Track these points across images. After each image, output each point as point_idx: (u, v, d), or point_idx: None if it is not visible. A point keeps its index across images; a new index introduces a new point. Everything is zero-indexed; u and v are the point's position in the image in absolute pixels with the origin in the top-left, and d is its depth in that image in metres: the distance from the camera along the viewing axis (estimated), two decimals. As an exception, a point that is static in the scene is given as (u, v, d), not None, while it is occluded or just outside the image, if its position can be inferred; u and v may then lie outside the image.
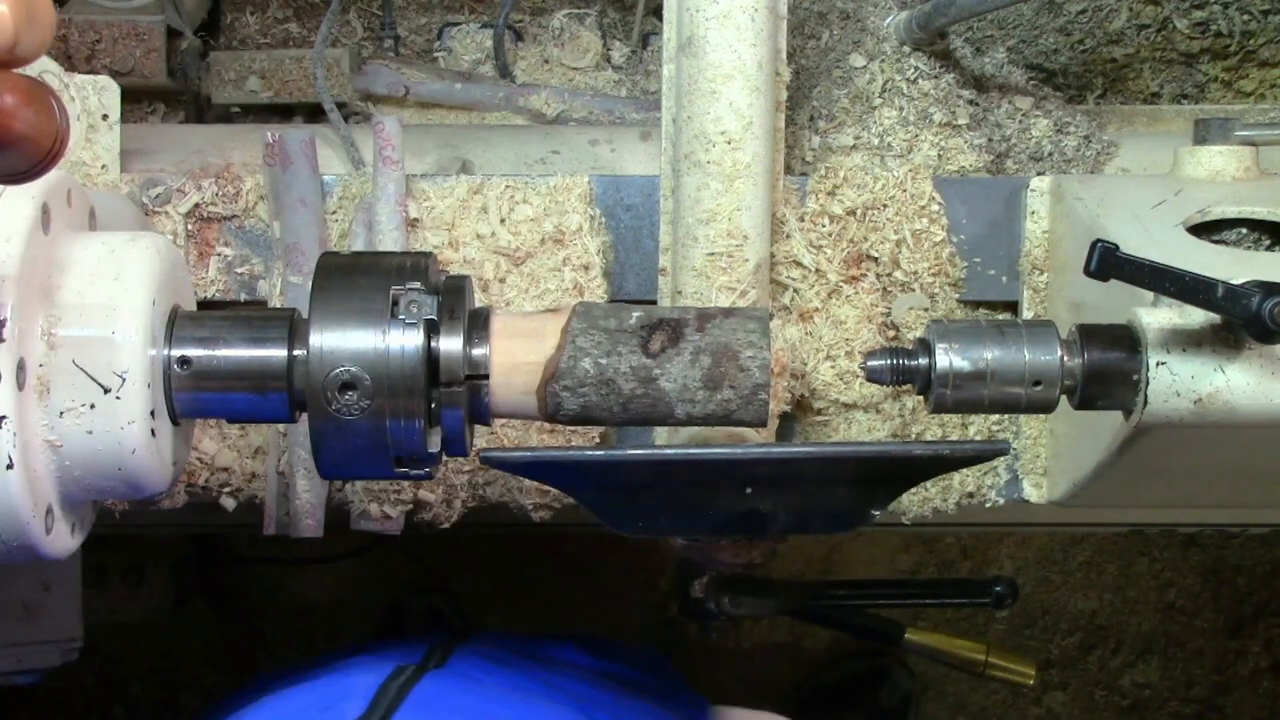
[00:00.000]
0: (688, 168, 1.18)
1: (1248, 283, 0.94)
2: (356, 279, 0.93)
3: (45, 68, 1.20)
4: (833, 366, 1.28)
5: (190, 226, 1.28)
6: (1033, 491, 1.33)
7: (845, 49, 1.35)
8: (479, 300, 1.25)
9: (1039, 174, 1.33)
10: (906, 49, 1.32)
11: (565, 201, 1.27)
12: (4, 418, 0.84)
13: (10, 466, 0.84)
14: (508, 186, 1.27)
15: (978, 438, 1.32)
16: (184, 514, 1.33)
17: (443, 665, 1.28)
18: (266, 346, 0.93)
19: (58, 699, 2.54)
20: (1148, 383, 0.99)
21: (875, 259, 1.28)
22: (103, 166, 1.26)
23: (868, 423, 1.30)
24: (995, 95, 1.39)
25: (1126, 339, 1.01)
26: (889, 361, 1.03)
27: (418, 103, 1.58)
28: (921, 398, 1.04)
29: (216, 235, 1.29)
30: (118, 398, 0.88)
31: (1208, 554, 2.55)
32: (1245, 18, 1.84)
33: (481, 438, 1.26)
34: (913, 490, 1.29)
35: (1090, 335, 1.01)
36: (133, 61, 1.61)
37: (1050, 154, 1.38)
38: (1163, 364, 0.99)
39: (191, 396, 0.93)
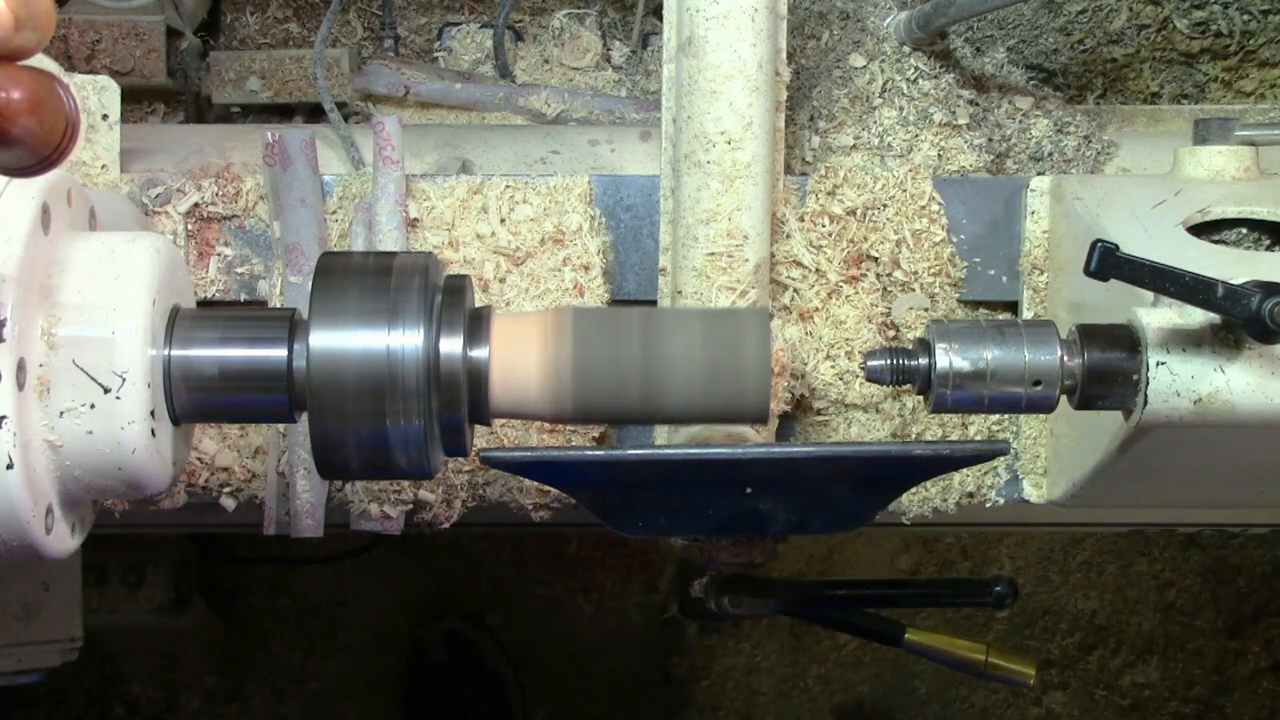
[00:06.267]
0: (688, 168, 1.18)
1: (1248, 283, 0.94)
2: (356, 279, 0.93)
3: (45, 67, 1.20)
4: (833, 366, 1.28)
5: (190, 226, 1.28)
6: (1033, 491, 1.33)
7: (845, 49, 1.35)
8: (479, 300, 1.25)
9: (1039, 174, 1.33)
10: (906, 49, 1.32)
11: (565, 201, 1.27)
12: (4, 418, 0.84)
13: (10, 466, 0.84)
14: (508, 186, 1.27)
15: (978, 438, 1.32)
16: (184, 514, 1.33)
17: None
18: (266, 346, 0.93)
19: (58, 699, 2.54)
20: (1148, 383, 0.99)
21: (875, 259, 1.28)
22: (103, 166, 1.26)
23: (868, 423, 1.30)
24: (995, 95, 1.39)
25: (1126, 339, 1.01)
26: (889, 361, 1.03)
27: (418, 103, 1.58)
28: (921, 398, 1.04)
29: (216, 235, 1.29)
30: (118, 398, 0.88)
31: (1208, 554, 2.55)
32: (1245, 18, 1.84)
33: (481, 438, 1.26)
34: (913, 490, 1.29)
35: (1090, 335, 1.01)
36: (133, 61, 1.61)
37: (1050, 154, 1.38)
38: (1163, 364, 0.99)
39: (191, 396, 0.93)
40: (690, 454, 1.06)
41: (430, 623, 2.54)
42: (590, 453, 1.16)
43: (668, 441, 1.24)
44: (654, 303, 1.27)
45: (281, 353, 0.93)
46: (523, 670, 2.57)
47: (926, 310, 1.28)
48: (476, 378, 0.93)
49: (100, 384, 0.88)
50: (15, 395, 0.84)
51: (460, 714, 2.49)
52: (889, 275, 1.28)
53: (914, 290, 1.28)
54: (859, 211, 1.28)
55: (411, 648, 2.54)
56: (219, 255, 1.29)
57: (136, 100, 1.67)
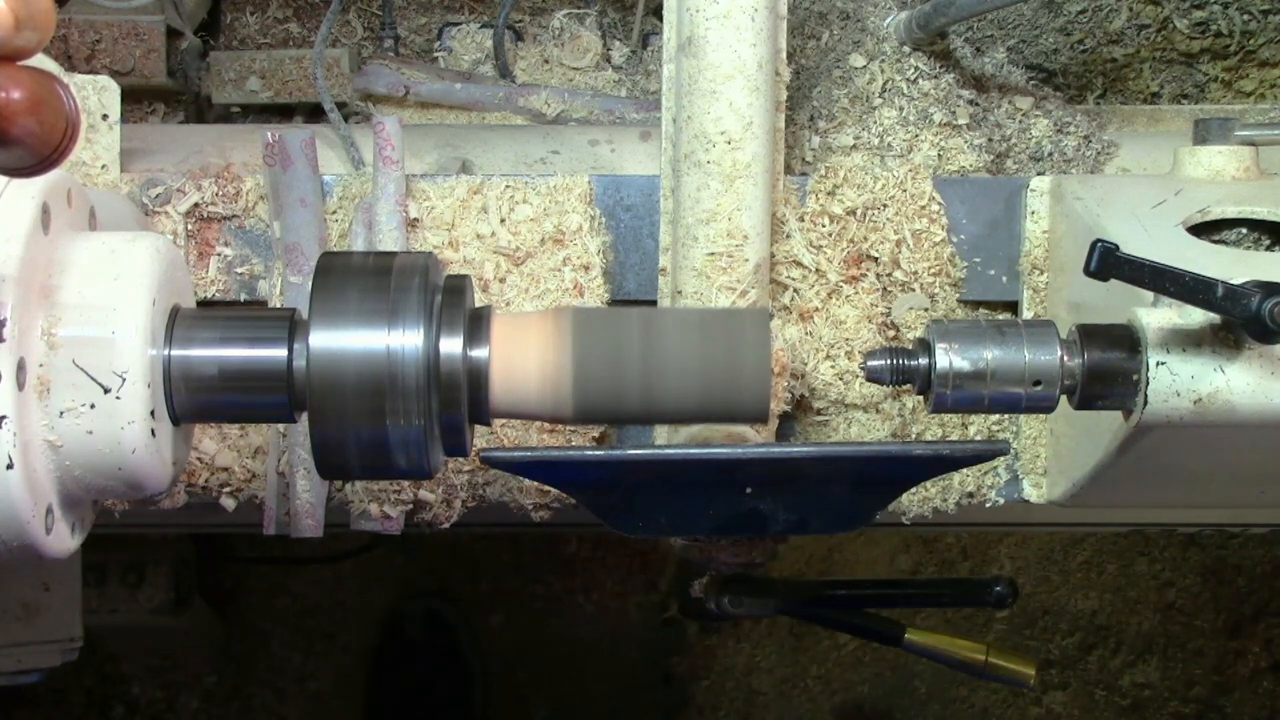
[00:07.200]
0: (688, 168, 1.18)
1: (1248, 283, 0.94)
2: (356, 279, 0.93)
3: (45, 67, 1.20)
4: (833, 366, 1.28)
5: (190, 226, 1.28)
6: (1033, 491, 1.33)
7: (845, 49, 1.35)
8: (479, 300, 1.25)
9: (1039, 174, 1.33)
10: (906, 49, 1.32)
11: (565, 201, 1.27)
12: (4, 418, 0.84)
13: (10, 466, 0.84)
14: (508, 186, 1.27)
15: (978, 438, 1.32)
16: (184, 514, 1.33)
17: None
18: (266, 346, 0.93)
19: (58, 699, 2.54)
20: (1148, 383, 0.99)
21: (875, 259, 1.28)
22: (103, 166, 1.26)
23: (868, 423, 1.30)
24: (995, 95, 1.39)
25: (1126, 339, 1.01)
26: (889, 361, 1.03)
27: (418, 103, 1.58)
28: (921, 398, 1.04)
29: (216, 235, 1.29)
30: (118, 398, 0.88)
31: (1208, 554, 2.56)
32: (1245, 18, 1.84)
33: (481, 438, 1.26)
34: (913, 490, 1.29)
35: (1090, 335, 1.01)
36: (133, 61, 1.61)
37: (1050, 154, 1.38)
38: (1163, 364, 0.99)
39: (191, 396, 0.93)
40: (690, 454, 1.06)
41: (411, 600, 2.54)
42: (590, 453, 1.16)
43: (668, 441, 1.24)
44: (654, 303, 1.27)
45: (281, 353, 0.93)
46: (522, 670, 2.57)
47: (926, 310, 1.28)
48: (476, 378, 0.93)
49: (100, 384, 0.88)
50: (15, 395, 0.84)
51: (425, 693, 2.50)
52: (889, 275, 1.28)
53: (914, 290, 1.28)
54: (859, 211, 1.28)
55: (387, 620, 2.54)
56: (219, 255, 1.29)
57: (136, 100, 1.67)
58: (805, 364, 1.27)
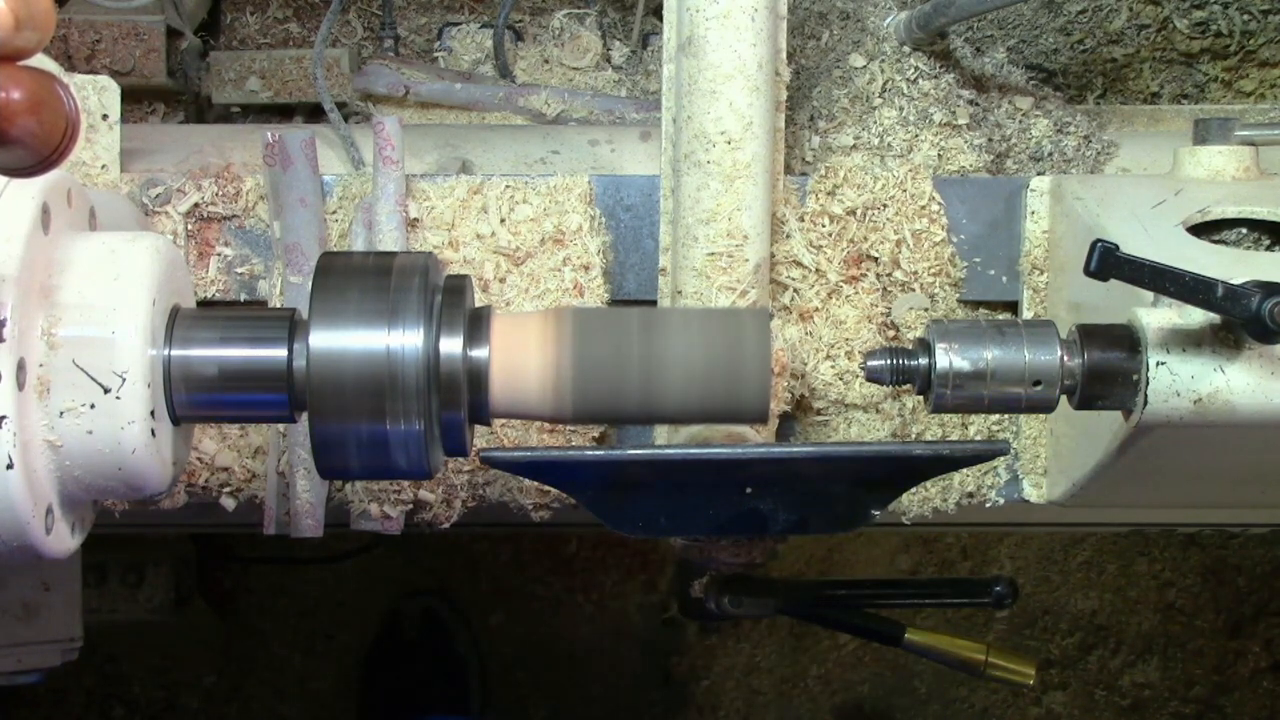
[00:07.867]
0: (688, 168, 1.18)
1: (1248, 283, 0.94)
2: (356, 279, 0.93)
3: (45, 67, 1.20)
4: (833, 366, 1.28)
5: (190, 226, 1.28)
6: (1033, 491, 1.33)
7: (845, 49, 1.35)
8: (479, 300, 1.25)
9: (1039, 174, 1.33)
10: (906, 49, 1.32)
11: (565, 201, 1.27)
12: (4, 418, 0.84)
13: (10, 466, 0.84)
14: (508, 186, 1.27)
15: (978, 438, 1.32)
16: (184, 514, 1.33)
17: None
18: (266, 346, 0.93)
19: (58, 699, 2.54)
20: (1148, 383, 0.99)
21: (875, 259, 1.28)
22: (103, 166, 1.26)
23: (868, 423, 1.30)
24: (995, 95, 1.39)
25: (1126, 339, 1.01)
26: (889, 361, 1.03)
27: (418, 103, 1.58)
28: (921, 398, 1.04)
29: (216, 235, 1.29)
30: (118, 398, 0.88)
31: (1208, 554, 2.55)
32: (1245, 18, 1.84)
33: (481, 438, 1.26)
34: (913, 490, 1.29)
35: (1090, 335, 1.01)
36: (133, 61, 1.61)
37: (1050, 154, 1.38)
38: (1163, 364, 0.99)
39: (191, 396, 0.93)
40: (690, 454, 1.06)
41: (408, 599, 2.54)
42: (590, 453, 1.16)
43: (668, 441, 1.24)
44: (654, 303, 1.27)
45: (281, 353, 0.93)
46: (522, 670, 2.57)
47: (926, 310, 1.28)
48: (476, 378, 0.93)
49: (100, 384, 0.88)
50: (15, 395, 0.84)
51: (420, 692, 2.50)
52: (889, 275, 1.28)
53: (914, 290, 1.28)
54: (859, 211, 1.28)
55: (385, 619, 2.53)
56: (219, 255, 1.29)
57: (136, 100, 1.67)
58: (805, 364, 1.27)
